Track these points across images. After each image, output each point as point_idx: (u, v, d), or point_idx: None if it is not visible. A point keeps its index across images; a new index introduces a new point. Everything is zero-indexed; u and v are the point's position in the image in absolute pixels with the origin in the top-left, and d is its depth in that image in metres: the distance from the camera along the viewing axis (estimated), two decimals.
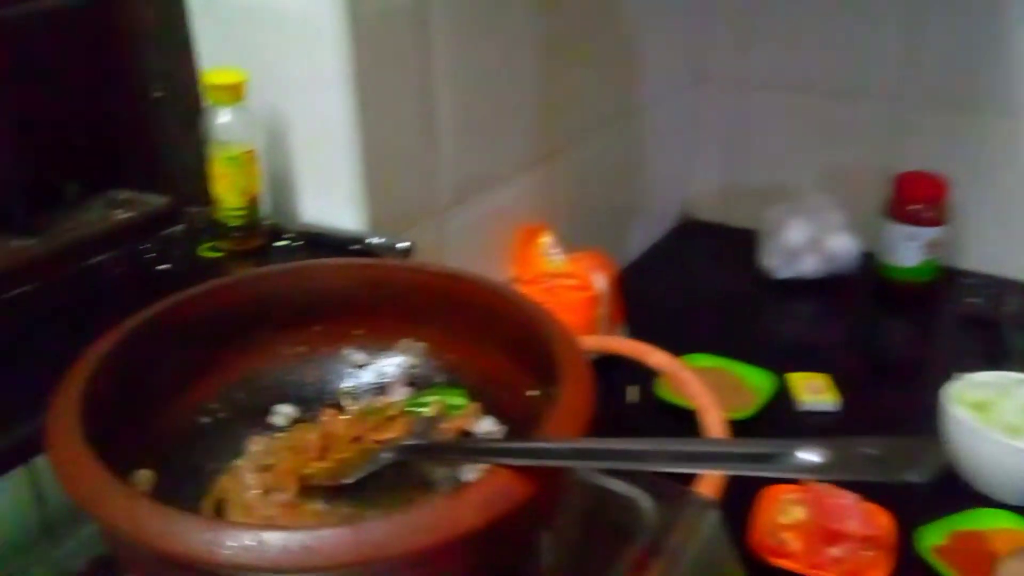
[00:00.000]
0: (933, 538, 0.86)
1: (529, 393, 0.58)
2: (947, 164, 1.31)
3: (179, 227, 0.87)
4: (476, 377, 0.62)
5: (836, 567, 0.82)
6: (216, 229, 0.83)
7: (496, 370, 0.61)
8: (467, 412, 0.60)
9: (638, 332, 1.10)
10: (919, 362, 1.25)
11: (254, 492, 0.54)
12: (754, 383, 1.10)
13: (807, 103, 1.44)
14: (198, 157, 0.82)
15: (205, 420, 0.58)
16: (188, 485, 0.54)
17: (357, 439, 0.58)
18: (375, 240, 0.82)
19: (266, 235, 0.84)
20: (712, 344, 1.15)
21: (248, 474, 0.55)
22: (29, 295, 0.72)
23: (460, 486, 0.54)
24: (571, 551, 0.58)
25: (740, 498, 0.85)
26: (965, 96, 1.32)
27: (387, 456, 0.52)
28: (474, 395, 0.62)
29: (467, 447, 0.51)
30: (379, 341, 0.64)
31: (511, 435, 0.59)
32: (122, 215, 0.84)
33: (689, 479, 0.66)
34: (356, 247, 0.82)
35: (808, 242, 1.34)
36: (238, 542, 0.40)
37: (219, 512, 0.54)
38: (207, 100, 0.80)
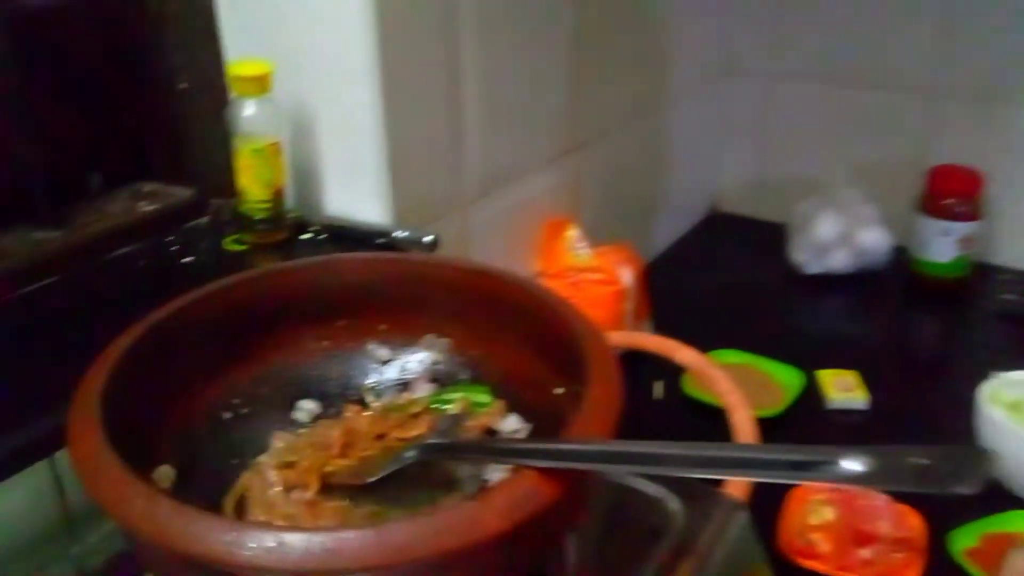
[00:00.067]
0: (965, 540, 0.84)
1: (555, 391, 0.57)
2: (982, 158, 1.28)
3: (204, 219, 0.87)
4: (501, 374, 0.62)
5: (866, 569, 0.80)
6: (241, 222, 0.83)
7: (521, 367, 0.60)
8: (492, 410, 0.60)
9: (664, 327, 1.09)
10: (952, 360, 1.22)
11: (276, 490, 0.53)
12: (782, 380, 1.08)
13: (838, 95, 1.41)
14: (223, 149, 0.82)
15: (227, 415, 0.58)
16: (209, 482, 0.54)
17: (380, 436, 0.57)
18: (400, 234, 0.81)
19: (291, 228, 0.84)
20: (740, 340, 1.14)
21: (270, 471, 0.54)
22: (52, 288, 0.72)
23: (485, 486, 0.54)
24: (597, 552, 0.57)
25: (769, 498, 0.84)
26: (1001, 88, 1.29)
27: (410, 455, 0.51)
28: (499, 392, 0.61)
29: (493, 447, 0.50)
30: (403, 336, 0.63)
31: (536, 433, 0.58)
32: (147, 207, 0.84)
33: (718, 479, 0.64)
34: (381, 240, 0.81)
35: (839, 236, 1.32)
36: (259, 543, 0.39)
37: (240, 509, 0.53)
38: (232, 92, 0.80)
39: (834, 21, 1.38)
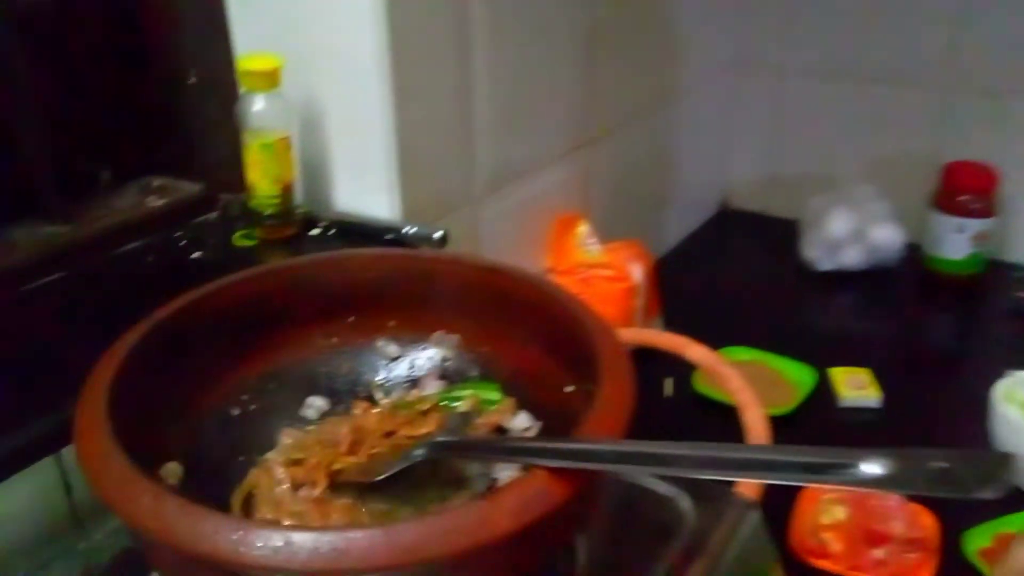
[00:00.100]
0: (979, 541, 0.83)
1: (566, 389, 0.56)
2: (997, 154, 1.27)
3: (213, 215, 0.86)
4: (511, 371, 0.61)
5: (879, 570, 0.79)
6: (250, 217, 0.83)
7: (532, 364, 0.59)
8: (501, 407, 0.59)
9: (674, 324, 1.08)
10: (965, 358, 1.21)
11: (284, 487, 0.53)
12: (794, 377, 1.08)
13: (851, 90, 1.40)
14: (233, 144, 0.81)
15: (235, 412, 0.57)
16: (217, 478, 0.53)
17: (389, 434, 0.56)
18: (410, 229, 0.81)
19: (300, 224, 0.83)
20: (751, 337, 1.13)
21: (278, 468, 0.54)
22: (61, 283, 0.72)
23: (494, 485, 0.53)
24: (608, 551, 0.57)
25: (780, 497, 0.83)
26: (1016, 84, 1.28)
27: (419, 453, 0.50)
28: (508, 390, 0.60)
29: (503, 446, 0.50)
30: (413, 333, 0.63)
31: (546, 432, 0.57)
32: (156, 202, 0.84)
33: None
34: (390, 236, 0.81)
35: (851, 233, 1.31)
36: (266, 543, 0.39)
37: (248, 506, 0.53)
38: (242, 87, 0.79)
39: (847, 15, 1.36)
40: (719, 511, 0.60)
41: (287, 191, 0.82)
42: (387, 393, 0.61)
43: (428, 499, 0.52)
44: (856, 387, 1.06)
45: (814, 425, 1.01)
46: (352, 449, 0.55)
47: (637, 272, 1.07)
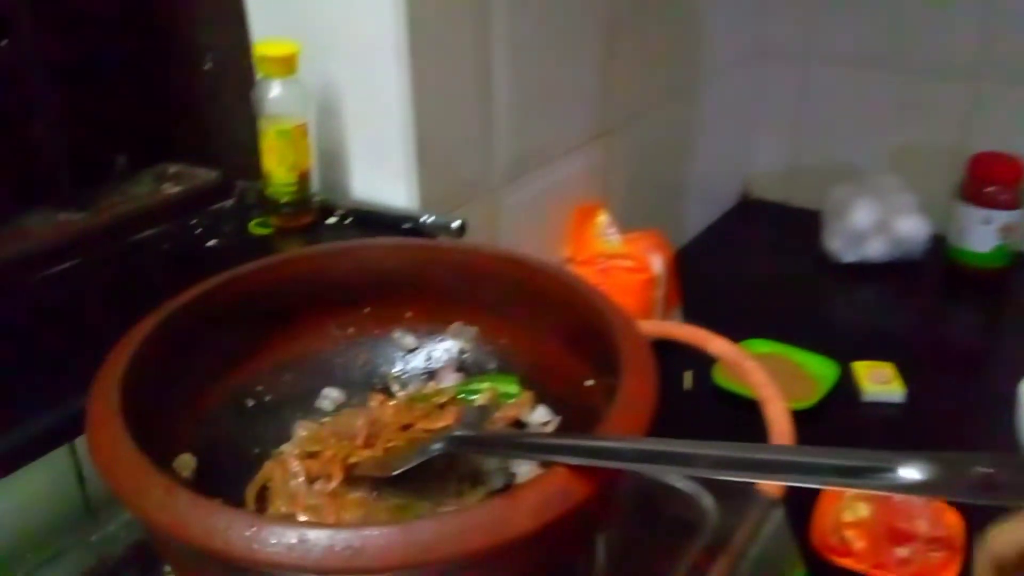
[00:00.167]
0: None
1: (586, 383, 0.55)
2: None
3: (229, 202, 0.86)
4: (529, 364, 0.60)
5: (902, 569, 0.78)
6: (266, 205, 0.82)
7: (551, 357, 0.58)
8: (520, 401, 0.58)
9: (694, 316, 1.07)
10: (991, 352, 1.19)
11: (299, 480, 0.52)
12: (816, 371, 1.06)
13: (876, 79, 1.38)
14: (249, 131, 0.80)
15: (250, 403, 0.57)
16: (231, 471, 0.53)
17: (406, 427, 0.55)
18: (428, 219, 0.80)
19: (316, 212, 0.83)
20: (772, 330, 1.11)
21: (293, 461, 0.53)
22: (75, 270, 0.72)
23: (512, 480, 0.52)
24: (629, 548, 0.56)
25: (802, 493, 0.81)
26: None
27: (437, 447, 0.49)
28: (527, 383, 0.59)
29: (522, 442, 0.48)
30: (430, 324, 0.62)
31: (566, 426, 0.56)
32: (171, 189, 0.83)
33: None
34: (408, 225, 0.80)
35: (875, 224, 1.29)
36: (280, 540, 0.38)
37: (262, 499, 0.52)
38: (259, 72, 0.78)
39: (873, 3, 1.34)
40: (742, 509, 0.59)
41: (304, 179, 0.81)
42: (404, 385, 0.61)
43: (445, 493, 0.51)
44: (879, 381, 1.04)
45: (836, 420, 0.99)
46: (368, 442, 0.54)
47: (657, 263, 1.05)
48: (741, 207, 1.53)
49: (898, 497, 0.82)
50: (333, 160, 0.85)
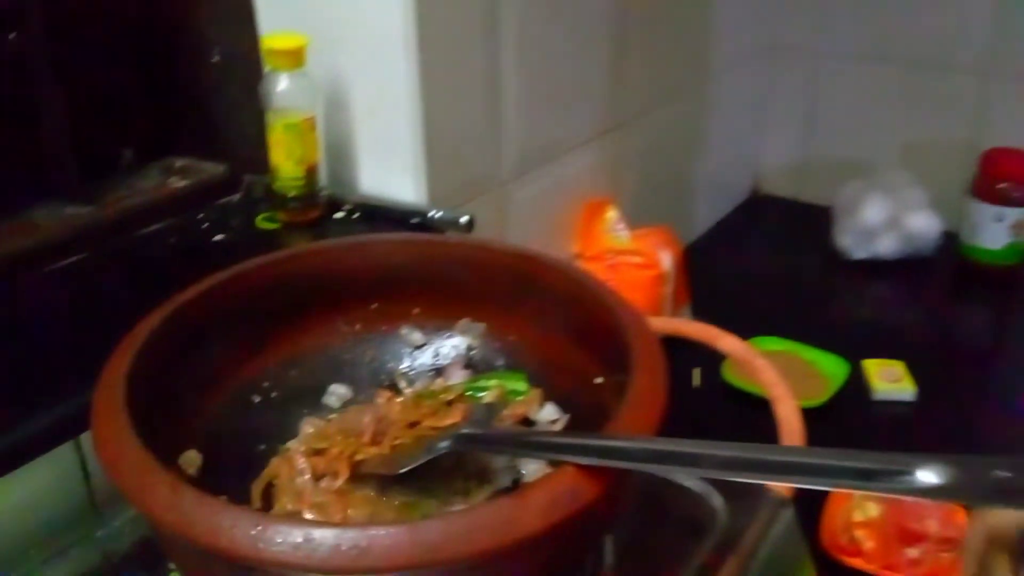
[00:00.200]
0: None
1: (595, 380, 0.54)
2: None
3: (236, 197, 0.85)
4: (538, 361, 0.59)
5: (912, 569, 0.77)
6: (273, 199, 0.81)
7: (559, 354, 0.58)
8: (528, 398, 0.57)
9: (703, 312, 1.06)
10: (1003, 351, 1.18)
11: (305, 478, 0.51)
12: (826, 369, 1.05)
13: (888, 73, 1.37)
14: (256, 124, 0.80)
15: (256, 399, 0.56)
16: (237, 468, 0.52)
17: (413, 424, 0.55)
18: (436, 214, 0.79)
19: (324, 206, 0.82)
20: (781, 327, 1.11)
21: (299, 458, 0.53)
22: (81, 264, 0.71)
23: (521, 480, 0.52)
24: (637, 548, 0.55)
25: (811, 492, 0.81)
26: None
27: (444, 445, 0.49)
28: (535, 380, 0.59)
29: (531, 441, 0.48)
30: (437, 321, 0.61)
31: (574, 424, 0.56)
32: (178, 183, 0.83)
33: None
34: (416, 220, 0.79)
35: (886, 221, 1.28)
36: (286, 539, 0.37)
37: (268, 497, 0.52)
38: (266, 65, 0.78)
39: None
40: (752, 508, 0.58)
41: (311, 173, 0.80)
42: (411, 382, 0.60)
43: (452, 491, 0.51)
44: (890, 380, 1.03)
45: (846, 419, 0.98)
46: (375, 439, 0.54)
47: (666, 259, 1.05)
48: (751, 203, 1.52)
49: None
50: (341, 154, 0.85)
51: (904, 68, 1.35)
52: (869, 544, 0.79)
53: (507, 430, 0.53)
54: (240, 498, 0.50)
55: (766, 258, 1.37)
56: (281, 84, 0.77)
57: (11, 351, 0.62)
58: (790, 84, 1.45)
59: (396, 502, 0.51)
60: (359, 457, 0.52)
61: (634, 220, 1.07)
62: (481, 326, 0.61)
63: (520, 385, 0.58)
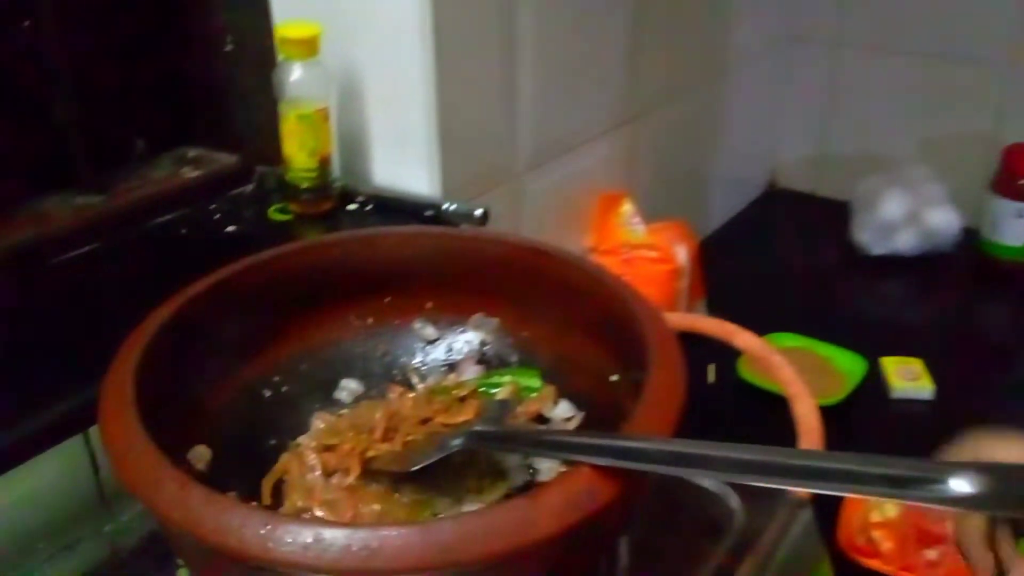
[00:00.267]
0: None
1: (611, 378, 0.54)
2: None
3: (248, 187, 0.85)
4: (552, 357, 0.59)
5: (931, 571, 0.76)
6: (286, 190, 0.81)
7: (574, 351, 0.57)
8: (542, 395, 0.57)
9: (718, 308, 1.05)
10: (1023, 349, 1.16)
11: (315, 474, 0.51)
12: (843, 366, 1.04)
13: (909, 66, 1.35)
14: (269, 115, 0.79)
15: (267, 393, 0.56)
16: (247, 463, 0.52)
17: (425, 421, 0.54)
18: (449, 206, 0.78)
19: (337, 198, 0.81)
20: (798, 323, 1.09)
21: (310, 454, 0.52)
22: (92, 255, 0.71)
23: (535, 478, 0.51)
24: (653, 549, 0.54)
25: None
26: None
27: (457, 443, 0.48)
28: (549, 377, 0.58)
29: (546, 440, 0.47)
30: (451, 315, 0.61)
31: (589, 423, 0.55)
32: (190, 173, 0.82)
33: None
34: (430, 213, 0.79)
35: (905, 216, 1.27)
36: (295, 539, 0.37)
37: (278, 493, 0.51)
38: (280, 55, 0.77)
39: None
40: (770, 509, 0.57)
41: (324, 164, 0.79)
42: (423, 377, 0.60)
43: (465, 489, 0.50)
44: (908, 378, 1.02)
45: (864, 417, 0.97)
46: (386, 435, 0.53)
47: (682, 253, 1.03)
48: (767, 197, 1.51)
49: None
50: (354, 145, 0.84)
51: (925, 60, 1.33)
52: (887, 545, 0.78)
53: (521, 428, 0.53)
54: (250, 494, 0.50)
55: (783, 253, 1.36)
56: (294, 74, 0.76)
57: (21, 342, 0.61)
58: (808, 76, 1.43)
59: (407, 500, 0.50)
60: (370, 454, 0.52)
61: (649, 213, 1.05)
62: (495, 321, 0.60)
63: (534, 381, 0.58)
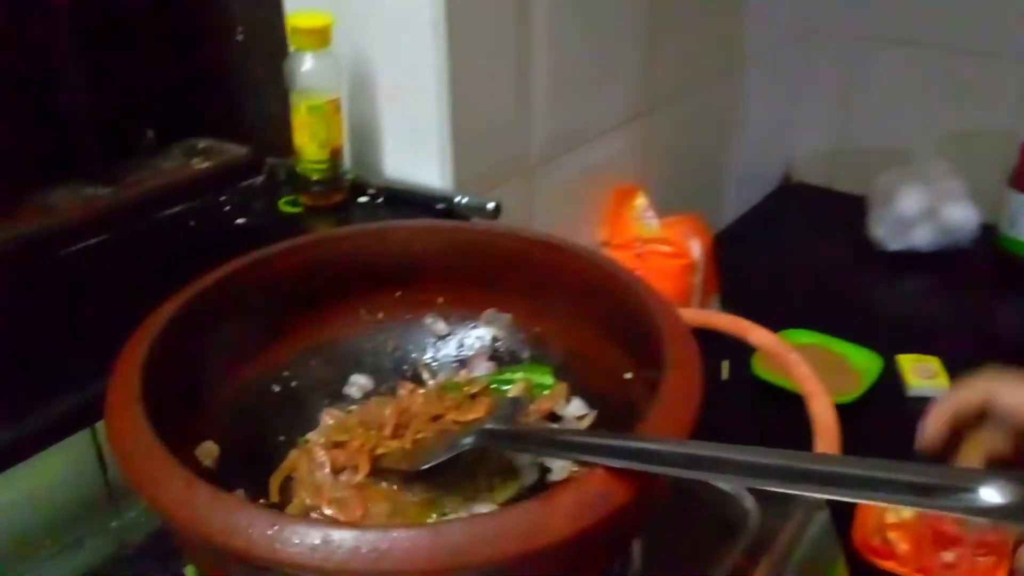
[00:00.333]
0: None
1: (625, 375, 0.53)
2: None
3: (259, 179, 0.84)
4: (565, 354, 0.58)
5: (947, 573, 0.75)
6: (296, 182, 0.80)
7: (588, 347, 0.56)
8: (554, 392, 0.56)
9: (733, 303, 1.04)
10: None
11: (324, 472, 0.50)
12: (859, 364, 1.02)
13: (927, 59, 1.33)
14: (280, 105, 0.78)
15: (276, 389, 0.55)
16: (255, 459, 0.51)
17: (436, 418, 0.53)
18: (462, 199, 0.77)
19: (348, 190, 0.81)
20: (813, 319, 1.08)
21: (319, 451, 0.51)
22: (101, 247, 0.70)
23: (547, 477, 0.50)
24: (666, 551, 0.53)
25: None
26: None
27: (468, 442, 0.47)
28: (562, 374, 0.57)
29: (559, 440, 0.46)
30: (462, 310, 0.60)
31: (602, 421, 0.54)
32: (200, 164, 0.81)
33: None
34: (441, 206, 0.78)
35: (923, 211, 1.25)
36: (303, 540, 0.36)
37: (286, 490, 0.50)
38: (291, 45, 0.76)
39: None
40: (785, 510, 0.56)
41: (335, 156, 0.79)
42: (434, 373, 0.59)
43: (475, 487, 0.50)
44: (925, 376, 1.01)
45: (880, 416, 0.96)
46: (396, 432, 0.52)
47: (696, 248, 1.02)
48: (783, 191, 1.49)
49: None
50: (366, 137, 0.83)
51: (944, 53, 1.32)
52: (903, 546, 0.76)
53: (534, 427, 0.52)
54: (258, 491, 0.49)
55: (798, 248, 1.34)
56: (306, 64, 0.75)
57: (27, 336, 0.61)
58: (825, 69, 1.42)
59: (417, 498, 0.49)
60: (380, 451, 0.51)
61: (663, 207, 1.04)
62: (507, 316, 0.60)
63: (546, 379, 0.57)
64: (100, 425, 0.54)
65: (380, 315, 0.59)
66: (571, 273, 0.56)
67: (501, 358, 0.59)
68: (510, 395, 0.55)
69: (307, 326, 0.57)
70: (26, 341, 0.60)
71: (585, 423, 0.55)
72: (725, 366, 1.02)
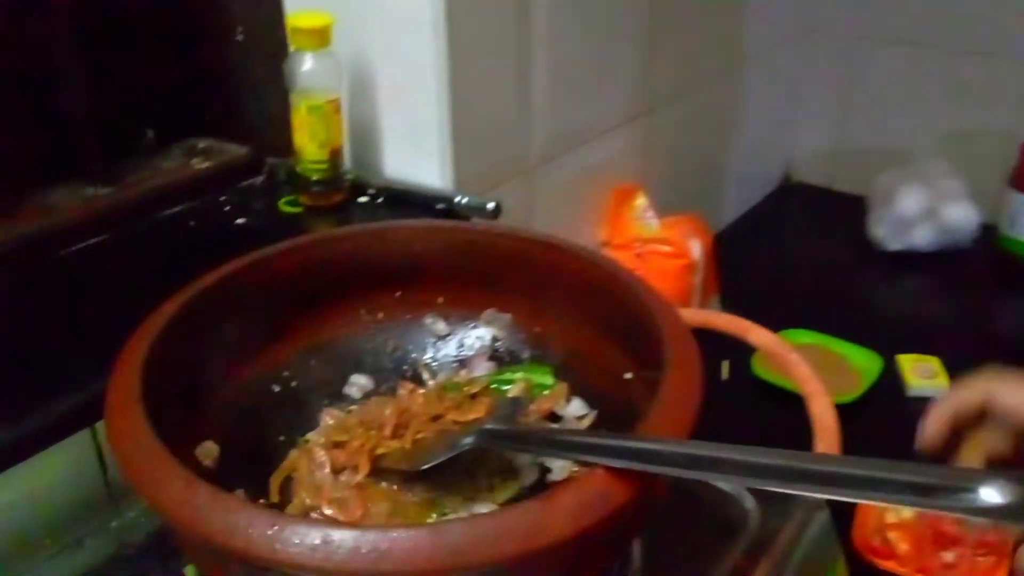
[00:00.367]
0: None
1: (625, 375, 0.53)
2: None
3: (259, 179, 0.84)
4: (565, 354, 0.58)
5: (947, 573, 0.75)
6: (296, 182, 0.80)
7: (588, 347, 0.56)
8: (554, 392, 0.56)
9: (732, 303, 1.04)
10: None
11: (324, 472, 0.50)
12: (858, 364, 1.02)
13: (928, 59, 1.33)
14: (280, 105, 0.78)
15: (276, 389, 0.55)
16: (255, 459, 0.51)
17: (436, 418, 0.53)
18: (462, 199, 0.77)
19: (348, 191, 0.80)
20: (813, 320, 1.08)
21: (319, 451, 0.51)
22: (101, 247, 0.70)
23: (547, 477, 0.50)
24: (666, 551, 0.53)
25: None
26: None
27: (468, 442, 0.47)
28: (562, 374, 0.57)
29: (559, 440, 0.46)
30: (462, 310, 0.60)
31: (602, 421, 0.54)
32: (200, 164, 0.81)
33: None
34: (441, 206, 0.78)
35: (923, 211, 1.25)
36: (303, 540, 0.36)
37: (286, 490, 0.50)
38: (291, 45, 0.76)
39: None
40: (785, 510, 0.56)
41: (335, 156, 0.79)
42: (434, 373, 0.59)
43: (475, 487, 0.50)
44: (925, 376, 1.01)
45: (880, 416, 0.96)
46: (396, 432, 0.52)
47: (696, 248, 1.02)
48: (783, 191, 1.49)
49: None
50: (366, 137, 0.83)
51: (944, 53, 1.31)
52: (903, 546, 0.76)
53: (534, 427, 0.52)
54: (258, 491, 0.49)
55: (798, 248, 1.34)
56: (306, 64, 0.75)
57: (28, 335, 0.61)
58: (825, 69, 1.42)
59: (417, 498, 0.49)
60: (380, 451, 0.51)
61: (663, 207, 1.04)
62: (507, 317, 0.60)
63: (546, 379, 0.57)
64: (100, 425, 0.55)
65: (380, 315, 0.59)
66: (571, 273, 0.56)
67: (501, 358, 0.59)
68: (510, 395, 0.55)
69: (307, 326, 0.57)
70: (26, 341, 0.60)
71: (585, 423, 0.55)
72: (725, 366, 1.02)
